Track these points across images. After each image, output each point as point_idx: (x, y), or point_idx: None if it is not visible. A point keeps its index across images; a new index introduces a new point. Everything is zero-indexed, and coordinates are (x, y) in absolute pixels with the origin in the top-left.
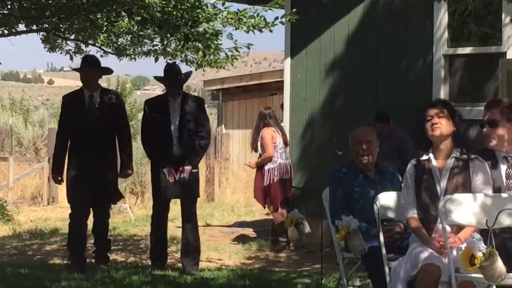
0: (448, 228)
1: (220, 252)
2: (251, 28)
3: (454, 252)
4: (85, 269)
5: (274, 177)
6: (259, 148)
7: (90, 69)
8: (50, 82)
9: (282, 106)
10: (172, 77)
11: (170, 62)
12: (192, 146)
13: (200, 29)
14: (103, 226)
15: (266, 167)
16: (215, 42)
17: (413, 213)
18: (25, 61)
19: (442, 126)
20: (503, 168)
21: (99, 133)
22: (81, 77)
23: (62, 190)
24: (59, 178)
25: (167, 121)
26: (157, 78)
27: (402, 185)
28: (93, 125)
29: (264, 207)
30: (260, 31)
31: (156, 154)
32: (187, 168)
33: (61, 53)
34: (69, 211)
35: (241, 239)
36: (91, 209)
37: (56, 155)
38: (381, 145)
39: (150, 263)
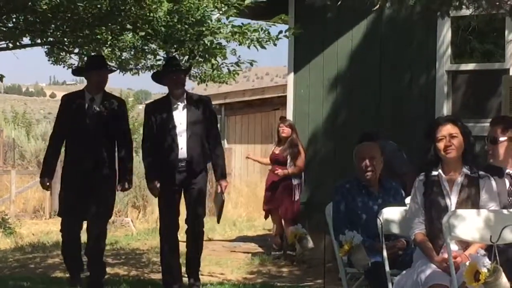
0: (455, 247)
1: (222, 267)
2: (255, 43)
3: (460, 268)
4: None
5: (299, 192)
6: (289, 160)
7: (104, 70)
8: (52, 95)
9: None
10: (171, 67)
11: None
12: (206, 154)
13: (206, 41)
14: (97, 246)
15: (295, 182)
16: (221, 53)
17: (420, 229)
18: (28, 75)
19: (456, 148)
20: (507, 184)
21: (97, 141)
22: (91, 79)
23: None
24: (47, 184)
25: (172, 125)
26: (155, 77)
27: (410, 200)
28: (90, 131)
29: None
30: (263, 47)
31: (159, 162)
32: (224, 184)
33: (64, 66)
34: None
35: (243, 254)
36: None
37: (47, 158)
38: None
39: (152, 277)
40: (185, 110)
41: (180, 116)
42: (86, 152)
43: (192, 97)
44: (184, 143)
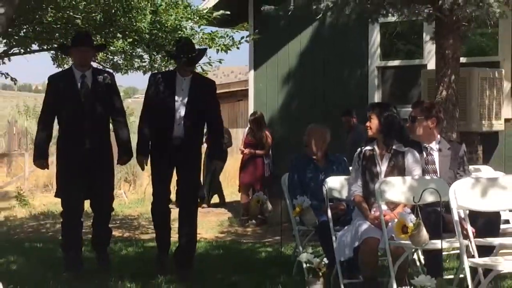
0: (385, 207)
1: (198, 228)
2: (222, 47)
3: (390, 224)
4: (83, 270)
5: (269, 169)
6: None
7: (86, 47)
8: None
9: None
10: (189, 52)
11: (185, 37)
12: (207, 135)
13: None
14: (103, 219)
15: (266, 161)
16: None
17: (358, 191)
18: (37, 76)
19: (372, 128)
20: (424, 154)
21: (93, 116)
22: (75, 56)
23: None
24: (44, 164)
25: (171, 99)
26: (168, 53)
27: (351, 168)
28: (87, 108)
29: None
30: (227, 51)
31: (154, 135)
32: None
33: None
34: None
35: (215, 217)
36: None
37: (39, 141)
38: (347, 138)
39: (142, 237)
40: (188, 89)
41: (182, 95)
42: (83, 132)
43: (198, 78)
44: (182, 121)
